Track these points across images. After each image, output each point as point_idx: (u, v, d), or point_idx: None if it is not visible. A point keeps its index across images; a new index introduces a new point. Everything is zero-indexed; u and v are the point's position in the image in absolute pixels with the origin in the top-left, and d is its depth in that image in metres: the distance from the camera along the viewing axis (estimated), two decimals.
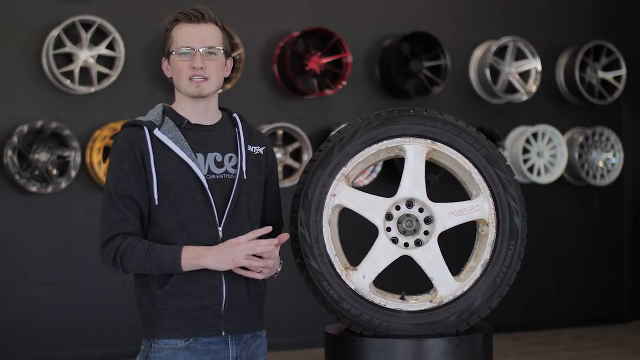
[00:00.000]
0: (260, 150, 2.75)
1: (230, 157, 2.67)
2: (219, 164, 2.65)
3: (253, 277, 2.61)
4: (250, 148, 2.71)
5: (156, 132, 2.61)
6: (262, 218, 2.74)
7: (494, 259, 2.79)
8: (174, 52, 2.63)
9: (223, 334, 2.62)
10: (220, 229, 2.61)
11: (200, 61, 2.61)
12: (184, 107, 2.68)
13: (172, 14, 2.68)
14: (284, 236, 2.63)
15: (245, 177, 2.66)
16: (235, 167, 2.66)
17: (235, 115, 2.76)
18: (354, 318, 2.76)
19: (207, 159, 2.64)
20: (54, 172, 6.22)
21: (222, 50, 2.66)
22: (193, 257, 2.55)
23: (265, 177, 2.75)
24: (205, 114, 2.69)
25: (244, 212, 2.65)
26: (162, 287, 2.58)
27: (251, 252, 2.55)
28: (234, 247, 2.55)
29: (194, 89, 2.63)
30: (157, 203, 2.58)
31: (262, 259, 2.58)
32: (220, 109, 2.75)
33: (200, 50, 2.61)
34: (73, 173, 6.25)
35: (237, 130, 2.72)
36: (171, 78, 2.69)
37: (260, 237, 2.59)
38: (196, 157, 2.62)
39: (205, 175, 2.61)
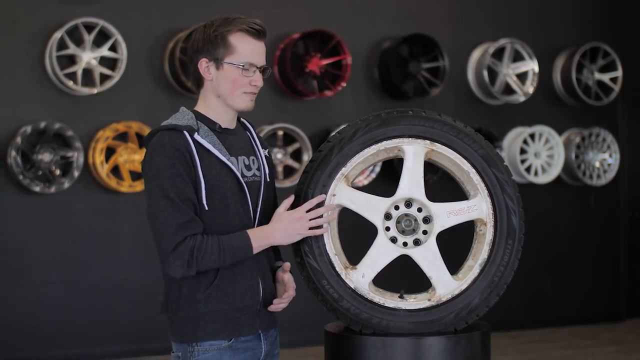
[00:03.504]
0: (266, 152, 2.79)
1: (253, 160, 2.71)
2: (248, 167, 2.68)
3: (279, 308, 2.70)
4: (263, 151, 2.77)
5: (196, 136, 2.58)
6: None
7: (491, 258, 2.80)
8: (234, 64, 2.60)
9: (259, 331, 2.68)
10: None
11: (260, 79, 2.63)
12: (217, 112, 2.66)
13: (235, 22, 2.61)
14: None
15: (268, 180, 2.72)
16: (258, 169, 2.70)
17: (243, 120, 2.79)
18: (353, 316, 2.77)
19: (239, 163, 2.67)
20: (57, 172, 6.25)
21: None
22: (262, 238, 2.60)
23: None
24: (233, 120, 2.71)
25: (267, 213, 2.70)
26: (205, 291, 2.59)
27: (313, 222, 2.65)
28: (297, 221, 2.64)
29: (249, 104, 2.65)
30: (207, 208, 2.58)
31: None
32: None
33: (260, 67, 2.63)
34: (76, 173, 6.28)
35: (249, 134, 2.76)
36: (209, 80, 2.64)
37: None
38: (232, 160, 2.65)
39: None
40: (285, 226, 2.62)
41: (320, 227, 2.70)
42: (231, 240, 2.57)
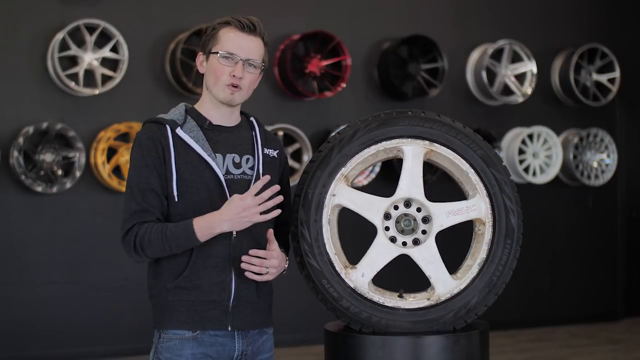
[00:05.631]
0: (275, 153, 2.80)
1: (248, 159, 2.72)
2: (237, 165, 2.70)
3: (263, 279, 2.65)
4: (266, 151, 2.77)
5: (178, 130, 2.65)
6: None
7: (490, 257, 2.81)
8: (217, 54, 2.67)
9: (229, 329, 2.66)
10: None
11: (240, 71, 2.65)
12: (209, 107, 2.73)
13: (230, 17, 2.69)
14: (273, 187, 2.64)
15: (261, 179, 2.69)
16: (252, 168, 2.71)
17: (252, 119, 2.81)
18: (353, 315, 2.78)
19: (226, 160, 2.69)
20: (59, 172, 6.27)
21: (262, 65, 2.70)
22: (207, 228, 2.57)
23: (279, 178, 2.80)
24: (228, 117, 2.74)
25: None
26: (174, 281, 2.64)
27: (262, 207, 2.57)
28: (245, 209, 2.56)
29: (228, 96, 2.67)
30: (176, 200, 2.63)
31: (266, 260, 2.63)
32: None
33: (243, 60, 2.66)
34: (78, 173, 6.31)
35: (254, 133, 2.77)
36: (202, 74, 2.73)
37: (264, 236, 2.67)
38: (215, 157, 2.67)
39: (223, 175, 2.66)
40: (233, 215, 2.58)
41: (271, 210, 2.63)
42: (176, 229, 2.59)
